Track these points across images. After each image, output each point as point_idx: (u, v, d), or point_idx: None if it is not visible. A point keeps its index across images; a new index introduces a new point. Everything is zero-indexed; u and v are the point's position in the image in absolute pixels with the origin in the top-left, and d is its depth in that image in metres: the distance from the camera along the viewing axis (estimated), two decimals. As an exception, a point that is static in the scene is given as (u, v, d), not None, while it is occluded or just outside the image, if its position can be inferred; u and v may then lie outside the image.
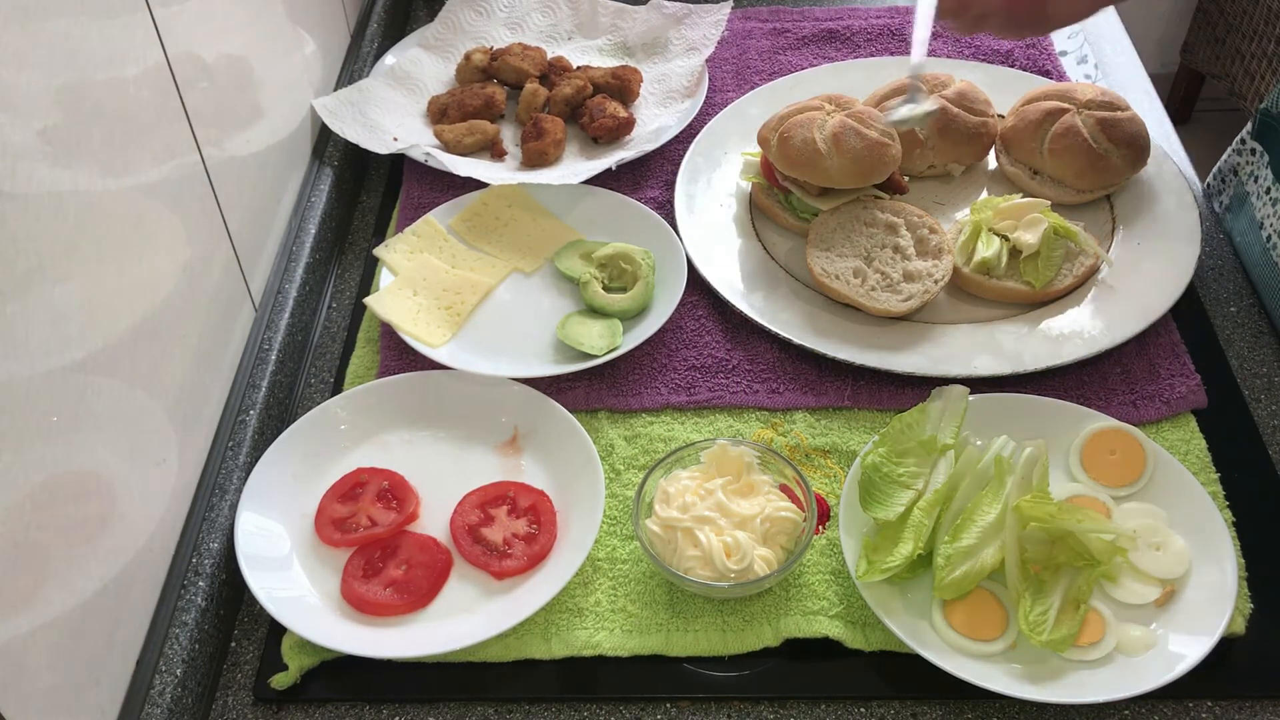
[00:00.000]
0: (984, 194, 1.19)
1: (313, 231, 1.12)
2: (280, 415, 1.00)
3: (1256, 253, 1.08)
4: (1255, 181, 1.10)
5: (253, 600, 0.85)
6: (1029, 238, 1.05)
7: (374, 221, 1.23)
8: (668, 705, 0.82)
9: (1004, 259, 1.06)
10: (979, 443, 0.88)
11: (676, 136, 1.25)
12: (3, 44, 0.65)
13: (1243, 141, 1.13)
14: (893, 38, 1.41)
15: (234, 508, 0.89)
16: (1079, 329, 1.03)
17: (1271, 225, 1.06)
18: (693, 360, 1.04)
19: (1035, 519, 0.82)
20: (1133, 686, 0.77)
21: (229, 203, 0.97)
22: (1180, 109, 2.83)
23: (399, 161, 1.28)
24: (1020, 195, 1.13)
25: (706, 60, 1.34)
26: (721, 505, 0.85)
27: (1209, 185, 1.19)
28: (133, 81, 0.81)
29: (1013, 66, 1.36)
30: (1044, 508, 0.82)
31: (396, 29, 1.48)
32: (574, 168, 1.22)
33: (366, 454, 0.96)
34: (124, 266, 0.79)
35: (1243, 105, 2.46)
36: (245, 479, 0.91)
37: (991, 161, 1.23)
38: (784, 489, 0.88)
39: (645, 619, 0.85)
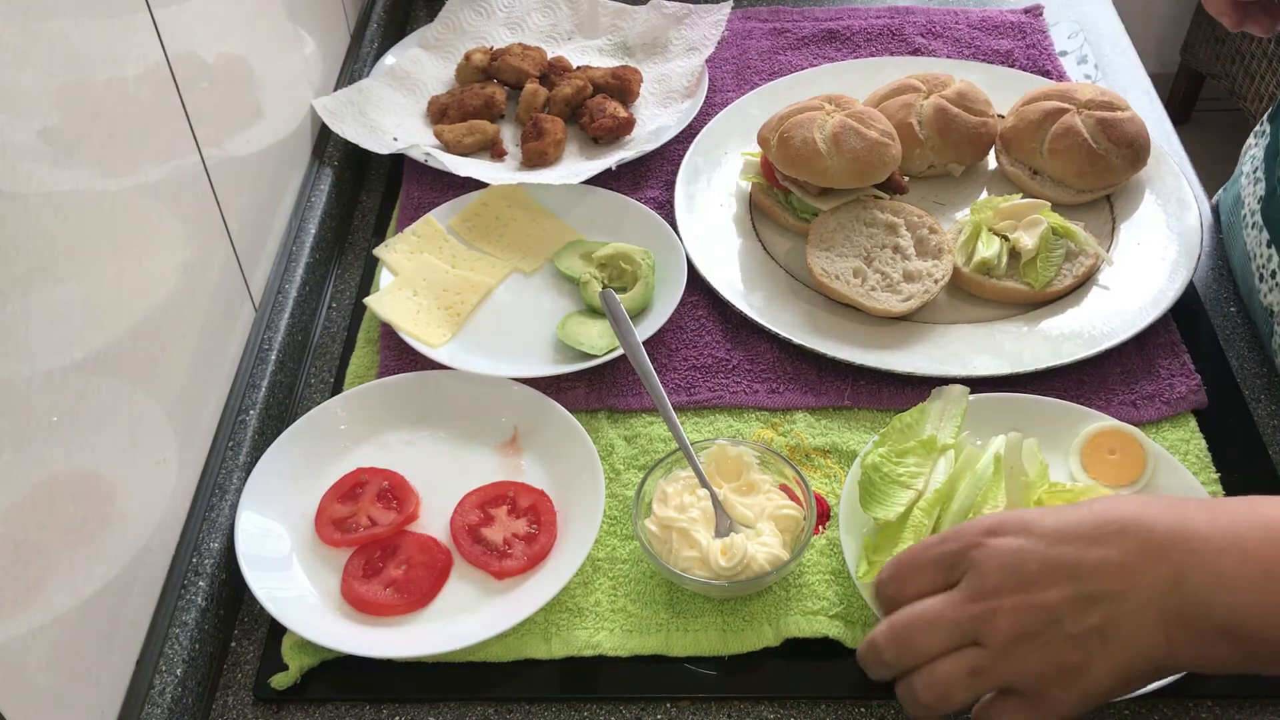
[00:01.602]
0: (984, 194, 1.19)
1: (313, 231, 1.12)
2: (280, 415, 1.00)
3: (1235, 231, 1.07)
4: (1250, 160, 1.10)
5: (253, 600, 0.85)
6: (1027, 241, 1.05)
7: (374, 221, 1.23)
8: (668, 705, 0.82)
9: (1004, 259, 1.06)
10: (979, 442, 0.88)
11: (676, 136, 1.25)
12: (3, 44, 0.65)
13: (1261, 124, 1.12)
14: (893, 38, 1.41)
15: (234, 508, 0.89)
16: (1079, 329, 1.03)
17: (1248, 204, 1.06)
18: (693, 360, 1.04)
19: None
20: (1133, 686, 0.77)
21: (229, 203, 0.97)
22: (1180, 109, 2.83)
23: (399, 161, 1.28)
24: (1020, 195, 1.13)
25: (706, 60, 1.34)
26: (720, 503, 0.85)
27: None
28: (133, 81, 0.81)
29: (1013, 66, 1.36)
30: (1064, 495, 0.83)
31: (396, 29, 1.48)
32: (574, 168, 1.22)
33: (366, 454, 0.96)
34: (124, 266, 0.79)
35: (1243, 105, 2.46)
36: (245, 479, 0.91)
37: (991, 161, 1.23)
38: (784, 489, 0.88)
39: (645, 619, 0.85)
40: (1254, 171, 1.08)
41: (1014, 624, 0.66)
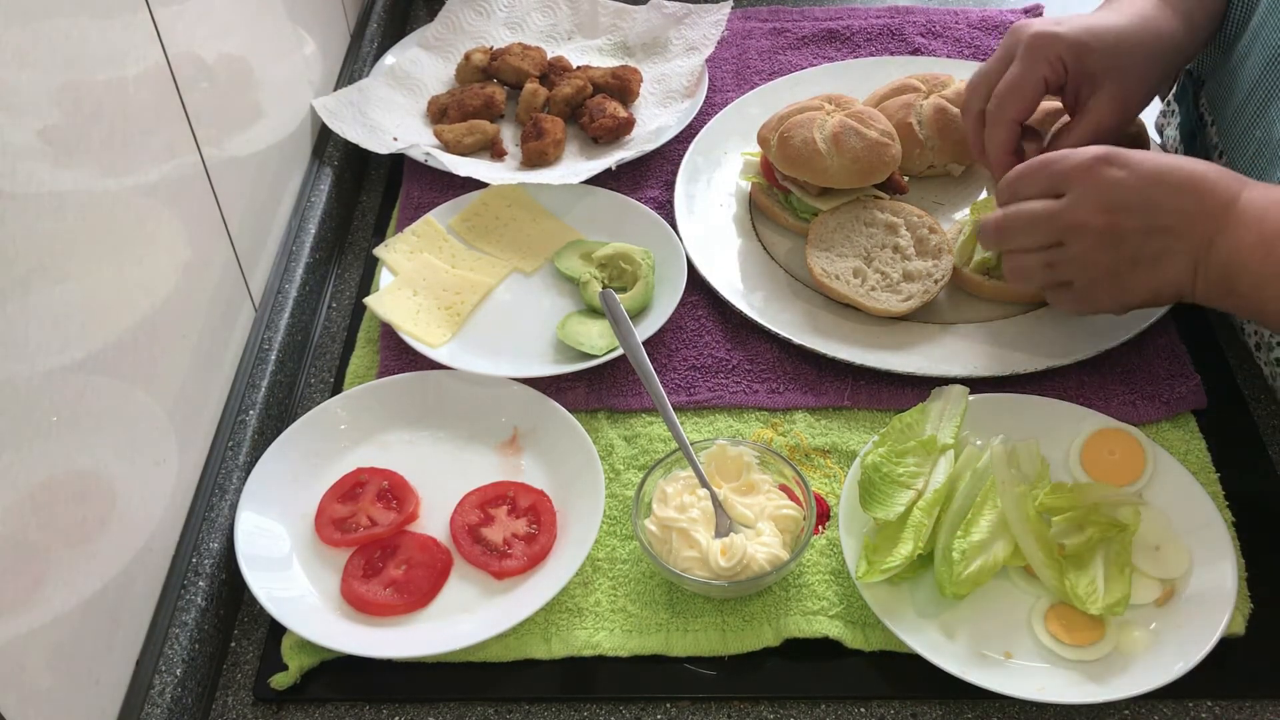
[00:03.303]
0: (984, 194, 1.19)
1: (313, 231, 1.12)
2: (280, 415, 1.00)
3: None
4: (1169, 139, 1.16)
5: (253, 600, 0.85)
6: None
7: (374, 221, 1.23)
8: (668, 705, 0.82)
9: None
10: (979, 442, 0.88)
11: (676, 136, 1.25)
12: (3, 44, 0.65)
13: (1168, 103, 1.20)
14: (893, 38, 1.41)
15: (234, 508, 0.89)
16: (1079, 329, 1.03)
17: None
18: (693, 360, 1.04)
19: (1060, 509, 0.83)
20: (1133, 686, 0.77)
21: (229, 203, 0.97)
22: (1180, 109, 2.82)
23: (399, 161, 1.28)
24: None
25: (706, 60, 1.34)
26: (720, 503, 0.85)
27: None
28: (133, 81, 0.81)
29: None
30: (1065, 497, 0.83)
31: (396, 29, 1.48)
32: (574, 168, 1.22)
33: (366, 454, 0.96)
34: (124, 266, 0.79)
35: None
36: (245, 479, 0.91)
37: (991, 161, 1.23)
38: (783, 489, 0.88)
39: (645, 619, 0.85)
40: (1174, 150, 1.15)
41: (1094, 238, 0.85)
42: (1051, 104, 1.15)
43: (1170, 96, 1.16)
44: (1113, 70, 0.96)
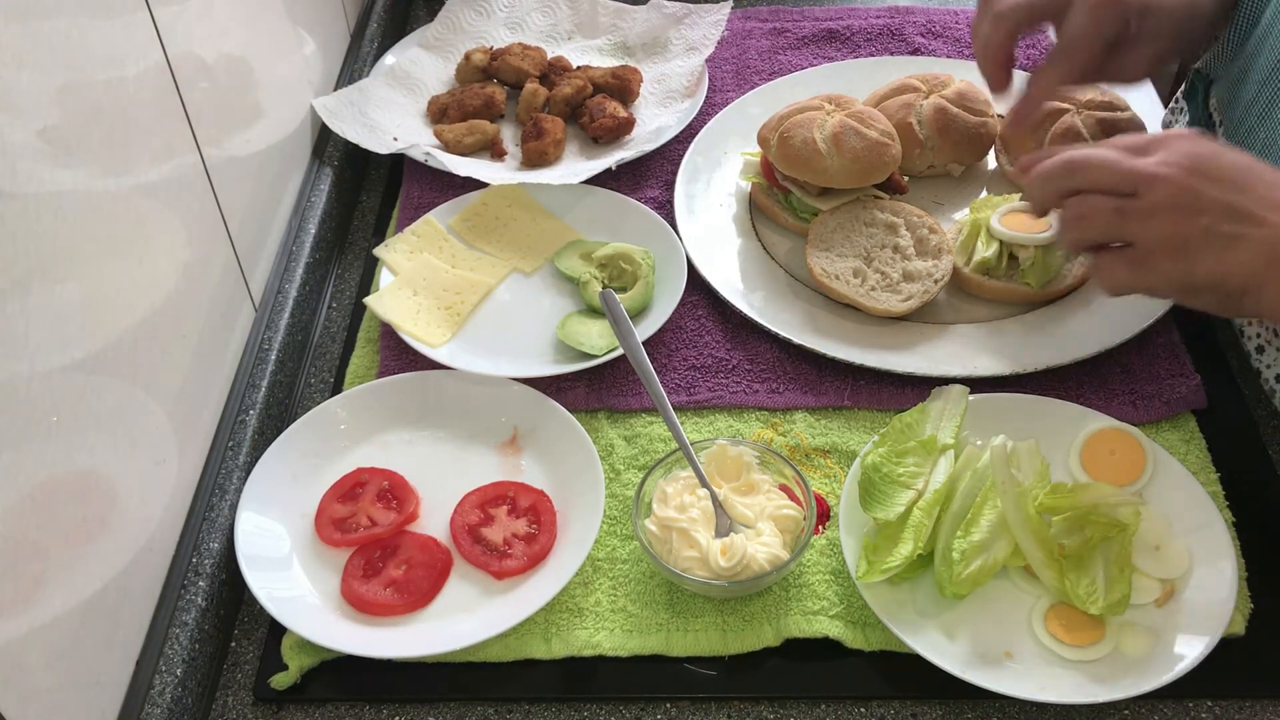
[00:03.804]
0: (984, 194, 1.19)
1: (313, 231, 1.12)
2: (280, 415, 1.00)
3: None
4: None
5: (253, 600, 0.85)
6: (1025, 251, 1.05)
7: (374, 221, 1.23)
8: (668, 705, 0.82)
9: (1004, 259, 1.06)
10: (979, 442, 0.88)
11: (676, 136, 1.25)
12: (3, 44, 0.65)
13: (1176, 100, 1.18)
14: (893, 38, 1.41)
15: (234, 508, 0.89)
16: (1079, 329, 1.03)
17: None
18: (693, 360, 1.04)
19: (1060, 509, 0.83)
20: (1133, 686, 0.77)
21: (229, 203, 0.97)
22: (1180, 109, 2.82)
23: (399, 161, 1.28)
24: (1020, 195, 1.13)
25: (706, 60, 1.34)
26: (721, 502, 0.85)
27: None
28: (133, 81, 0.81)
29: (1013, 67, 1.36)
30: (1065, 498, 0.84)
31: (396, 29, 1.48)
32: (574, 168, 1.22)
33: (366, 454, 0.96)
34: (124, 266, 0.79)
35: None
36: (245, 479, 0.91)
37: (991, 161, 1.23)
38: (783, 489, 0.88)
39: (645, 619, 0.85)
40: None
41: (1172, 195, 0.75)
42: (1053, 106, 1.15)
43: (1180, 94, 1.16)
44: (1159, 36, 0.92)
